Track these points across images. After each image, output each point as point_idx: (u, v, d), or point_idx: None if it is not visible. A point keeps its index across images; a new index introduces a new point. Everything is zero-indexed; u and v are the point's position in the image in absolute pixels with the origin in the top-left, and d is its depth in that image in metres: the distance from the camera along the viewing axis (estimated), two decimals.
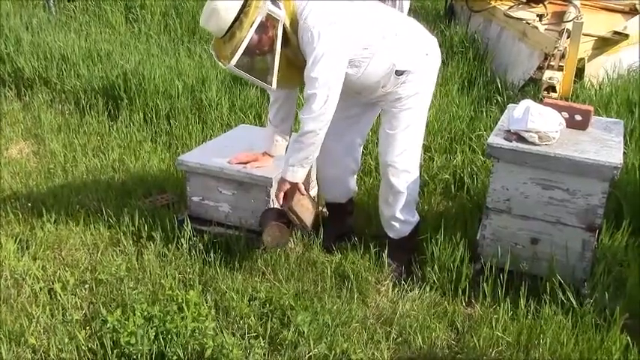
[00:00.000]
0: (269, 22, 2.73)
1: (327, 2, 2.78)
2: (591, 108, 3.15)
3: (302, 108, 2.80)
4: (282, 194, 2.94)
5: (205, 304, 2.77)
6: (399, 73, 2.93)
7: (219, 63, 2.79)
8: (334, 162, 3.25)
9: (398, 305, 2.91)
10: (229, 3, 2.68)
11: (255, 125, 4.51)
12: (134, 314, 2.59)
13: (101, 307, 2.78)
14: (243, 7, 2.68)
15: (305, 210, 2.99)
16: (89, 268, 3.12)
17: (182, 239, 3.22)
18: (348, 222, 3.48)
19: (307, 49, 2.74)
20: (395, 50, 2.92)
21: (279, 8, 2.74)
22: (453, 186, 3.91)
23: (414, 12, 6.30)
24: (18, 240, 3.31)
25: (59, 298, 2.87)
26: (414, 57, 2.97)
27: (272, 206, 3.13)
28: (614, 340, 2.57)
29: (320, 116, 2.76)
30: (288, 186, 2.93)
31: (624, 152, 3.45)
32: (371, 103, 3.15)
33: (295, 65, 2.83)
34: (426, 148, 4.22)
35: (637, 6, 5.85)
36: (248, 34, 2.68)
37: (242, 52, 2.69)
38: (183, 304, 2.66)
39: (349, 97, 3.04)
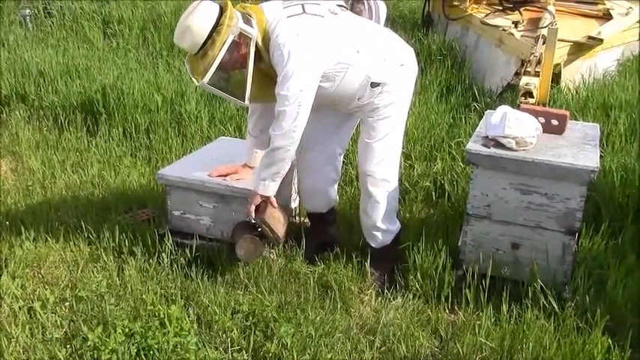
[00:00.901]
0: (241, 39, 2.76)
1: (298, 18, 2.81)
2: (567, 113, 3.18)
3: (273, 124, 2.81)
4: (253, 207, 2.95)
5: (187, 319, 2.75)
6: (374, 85, 2.94)
7: (193, 79, 2.81)
8: (315, 172, 3.25)
9: (381, 314, 2.90)
10: (202, 21, 2.71)
11: (235, 137, 4.50)
12: (115, 331, 2.57)
13: (82, 325, 2.74)
14: (216, 25, 2.71)
15: (277, 222, 3.00)
16: (69, 285, 3.09)
17: (163, 254, 3.19)
18: (330, 232, 3.48)
19: (278, 66, 2.76)
20: (370, 63, 2.93)
21: (252, 26, 2.77)
22: (433, 193, 3.92)
23: (391, 22, 6.35)
24: None
25: (39, 316, 2.83)
26: (390, 68, 2.99)
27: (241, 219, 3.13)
28: (596, 342, 2.58)
29: (289, 132, 2.77)
30: (259, 199, 2.95)
31: (601, 156, 3.50)
32: (349, 113, 3.16)
33: (269, 79, 2.84)
34: (406, 156, 4.24)
35: (610, 11, 5.93)
36: (220, 53, 2.71)
37: (214, 70, 2.73)
38: (165, 320, 2.65)
39: (327, 107, 3.06)
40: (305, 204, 3.46)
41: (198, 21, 2.71)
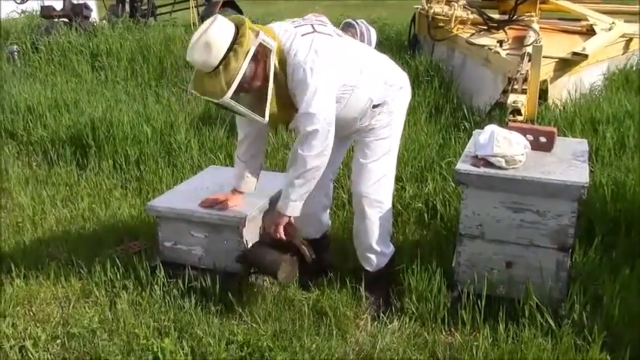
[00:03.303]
0: (261, 52, 2.70)
1: (311, 36, 2.78)
2: (555, 129, 3.19)
3: (300, 144, 2.75)
4: (282, 228, 2.91)
5: (182, 351, 2.71)
6: (375, 106, 2.95)
7: (207, 99, 2.75)
8: (307, 199, 3.23)
9: (378, 339, 2.87)
10: (221, 34, 2.64)
11: (226, 166, 4.49)
12: None
13: None
14: (236, 37, 2.65)
15: (302, 241, 3.01)
16: (61, 322, 3.05)
17: (156, 286, 3.16)
18: (324, 257, 3.45)
19: (300, 85, 2.71)
20: (372, 84, 2.94)
21: (270, 39, 2.73)
22: (426, 214, 3.91)
23: (378, 44, 6.39)
24: None
25: (30, 355, 2.79)
26: (389, 91, 3.00)
27: (249, 244, 3.10)
28: (595, 359, 2.56)
29: (323, 151, 2.76)
30: (287, 220, 2.91)
31: (591, 170, 3.51)
32: (343, 138, 3.15)
33: (281, 101, 2.80)
34: (397, 178, 4.20)
35: (594, 27, 6.00)
36: (244, 64, 2.63)
37: (238, 82, 2.63)
38: (159, 353, 2.61)
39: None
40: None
41: (217, 34, 2.63)
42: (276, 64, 2.73)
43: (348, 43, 3.01)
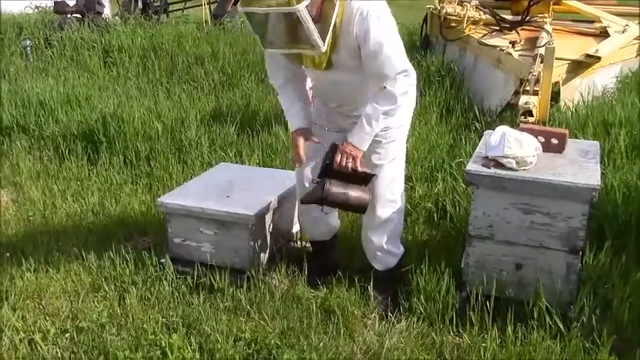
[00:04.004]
0: None
1: None
2: (566, 131, 3.17)
3: (387, 84, 2.76)
4: (359, 162, 2.88)
5: (189, 347, 2.72)
6: None
7: (267, 10, 2.61)
8: (319, 213, 3.22)
9: (385, 338, 2.87)
10: None
11: (236, 163, 4.50)
12: None
13: (83, 356, 2.72)
14: None
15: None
16: (70, 316, 3.06)
17: (164, 282, 3.17)
18: (332, 256, 3.45)
19: (362, 28, 2.69)
20: None
21: None
22: (435, 214, 3.90)
23: None
24: None
25: (40, 349, 2.81)
26: (408, 84, 2.95)
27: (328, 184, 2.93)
28: None
29: (410, 88, 2.84)
30: (361, 153, 2.88)
31: (602, 173, 3.48)
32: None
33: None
34: (407, 178, 4.21)
35: (607, 29, 5.96)
36: None
37: None
38: (167, 349, 2.62)
39: (338, 123, 3.07)
40: (308, 234, 3.44)
41: None
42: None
43: None
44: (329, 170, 2.90)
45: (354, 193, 2.91)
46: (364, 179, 2.93)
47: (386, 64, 2.73)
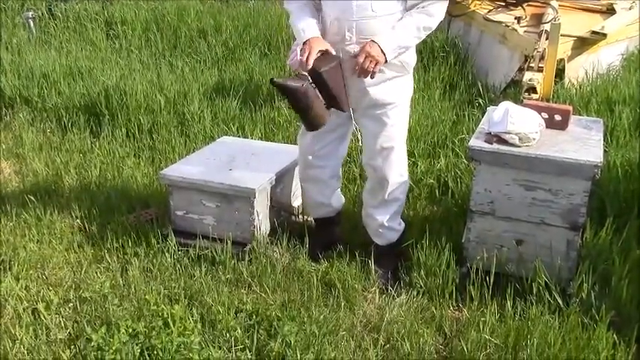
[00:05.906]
0: None
1: None
2: (570, 108, 3.16)
3: (427, 3, 2.83)
4: (378, 67, 2.80)
5: (191, 319, 2.74)
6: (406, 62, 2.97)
7: None
8: (321, 186, 3.26)
9: (385, 312, 2.89)
10: None
11: (238, 137, 4.50)
12: (119, 331, 2.57)
13: (86, 326, 2.75)
14: None
15: None
16: (73, 286, 3.09)
17: (167, 254, 3.19)
18: (334, 231, 3.47)
19: None
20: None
21: None
22: (437, 190, 3.90)
23: None
24: (0, 261, 3.28)
25: (43, 318, 2.84)
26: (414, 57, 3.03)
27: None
28: (601, 338, 2.57)
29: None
30: (383, 60, 2.79)
31: (605, 150, 3.48)
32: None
33: None
34: (410, 154, 4.19)
35: (614, 6, 5.90)
36: None
37: None
38: (169, 319, 2.64)
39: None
40: (312, 213, 3.46)
41: None
42: None
43: None
44: (319, 76, 2.75)
45: (319, 111, 2.80)
46: (336, 102, 2.82)
47: None
